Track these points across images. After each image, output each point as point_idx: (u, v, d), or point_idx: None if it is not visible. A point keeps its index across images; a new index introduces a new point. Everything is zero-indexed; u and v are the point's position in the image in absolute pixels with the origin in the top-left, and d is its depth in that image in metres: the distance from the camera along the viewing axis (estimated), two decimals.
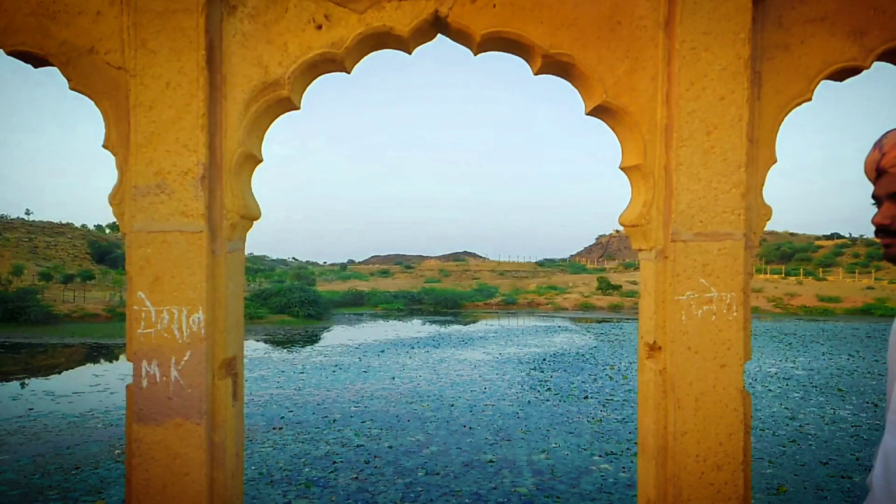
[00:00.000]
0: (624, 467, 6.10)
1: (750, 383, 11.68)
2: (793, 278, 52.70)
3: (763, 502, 5.30)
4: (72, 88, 2.23)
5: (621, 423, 8.05)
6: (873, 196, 1.20)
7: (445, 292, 42.73)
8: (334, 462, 6.23)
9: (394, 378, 11.74)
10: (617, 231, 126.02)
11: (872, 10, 2.12)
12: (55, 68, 2.26)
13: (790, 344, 19.44)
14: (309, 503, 5.03)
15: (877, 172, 1.17)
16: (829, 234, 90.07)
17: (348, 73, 2.36)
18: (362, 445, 6.89)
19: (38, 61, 2.32)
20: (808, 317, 33.99)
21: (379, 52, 2.44)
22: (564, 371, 12.80)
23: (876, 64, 2.19)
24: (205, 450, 2.16)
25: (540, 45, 2.19)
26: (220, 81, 2.22)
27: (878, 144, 1.18)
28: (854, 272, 55.78)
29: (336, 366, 13.49)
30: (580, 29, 2.19)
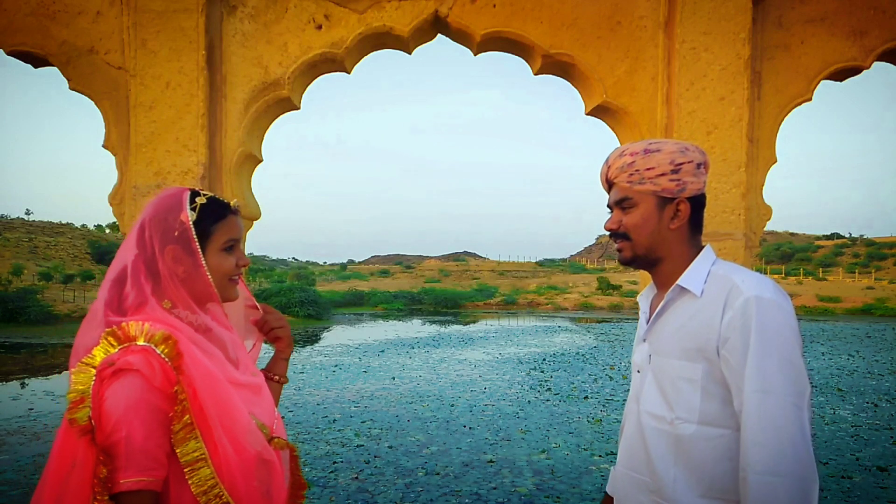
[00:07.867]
0: None
1: None
2: (793, 278, 52.73)
3: None
4: (72, 88, 2.23)
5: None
6: (608, 205, 1.34)
7: (445, 292, 42.72)
8: (334, 462, 6.23)
9: (394, 378, 11.73)
10: None
11: (872, 10, 2.12)
12: (55, 68, 2.26)
13: None
14: (309, 503, 5.04)
15: (608, 184, 1.32)
16: (829, 234, 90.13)
17: (348, 72, 2.36)
18: (362, 445, 6.88)
19: (38, 61, 2.32)
20: (808, 317, 33.92)
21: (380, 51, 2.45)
22: (564, 371, 12.79)
23: (876, 64, 2.19)
24: None
25: (540, 45, 2.19)
26: (220, 81, 2.22)
27: (607, 159, 1.32)
28: (854, 272, 55.80)
29: (336, 366, 13.48)
30: (580, 29, 2.19)
